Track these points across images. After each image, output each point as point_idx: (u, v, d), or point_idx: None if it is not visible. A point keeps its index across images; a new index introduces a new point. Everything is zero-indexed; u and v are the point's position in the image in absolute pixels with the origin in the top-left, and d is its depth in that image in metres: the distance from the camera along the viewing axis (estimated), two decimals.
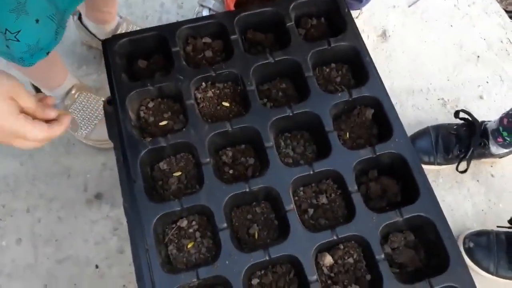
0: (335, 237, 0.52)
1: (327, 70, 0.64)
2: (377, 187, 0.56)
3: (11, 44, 0.59)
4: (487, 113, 1.00)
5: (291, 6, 0.64)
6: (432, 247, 0.53)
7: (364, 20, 1.10)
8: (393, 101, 0.96)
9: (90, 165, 0.96)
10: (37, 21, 0.56)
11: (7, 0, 0.55)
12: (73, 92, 0.91)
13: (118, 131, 0.59)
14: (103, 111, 0.81)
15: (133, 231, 0.55)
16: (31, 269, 0.90)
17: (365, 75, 0.61)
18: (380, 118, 0.60)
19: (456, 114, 0.89)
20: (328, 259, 0.52)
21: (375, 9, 1.12)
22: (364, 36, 1.05)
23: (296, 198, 0.56)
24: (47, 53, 0.61)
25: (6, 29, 0.55)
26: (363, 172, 0.57)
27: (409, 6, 1.15)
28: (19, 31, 0.56)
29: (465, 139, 0.87)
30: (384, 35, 1.11)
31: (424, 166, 0.89)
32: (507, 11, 1.17)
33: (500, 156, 0.89)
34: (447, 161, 0.89)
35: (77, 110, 0.92)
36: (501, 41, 1.11)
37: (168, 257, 0.53)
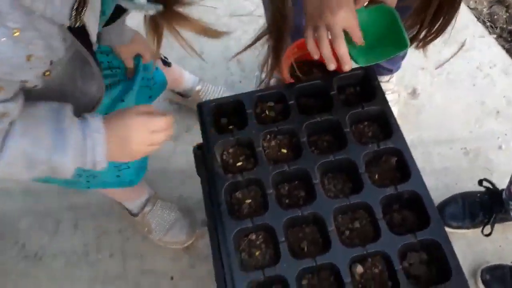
0: (365, 252, 0.70)
1: (361, 126, 0.84)
2: (398, 216, 0.74)
3: (123, 172, 0.86)
4: (506, 161, 1.15)
5: (334, 79, 0.86)
6: (439, 263, 0.69)
7: (397, 80, 1.30)
8: (421, 149, 1.16)
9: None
10: None
11: None
12: (151, 201, 1.10)
13: (206, 169, 0.82)
14: (173, 217, 1.05)
15: (215, 242, 0.76)
16: (120, 278, 1.12)
17: (390, 131, 0.81)
18: (402, 165, 0.78)
19: (480, 182, 1.02)
20: (359, 269, 0.69)
21: (406, 70, 1.32)
22: (396, 94, 1.26)
23: (336, 222, 0.75)
24: (146, 168, 0.89)
25: (121, 162, 0.83)
26: (388, 205, 0.76)
27: (436, 68, 1.34)
28: None
29: (488, 207, 1.00)
30: (414, 93, 1.30)
31: (452, 230, 1.03)
32: None
33: None
34: (474, 226, 1.02)
35: (153, 217, 1.10)
36: None
37: (241, 262, 0.73)
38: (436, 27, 0.74)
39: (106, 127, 0.63)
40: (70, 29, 0.52)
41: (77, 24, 0.50)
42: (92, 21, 0.55)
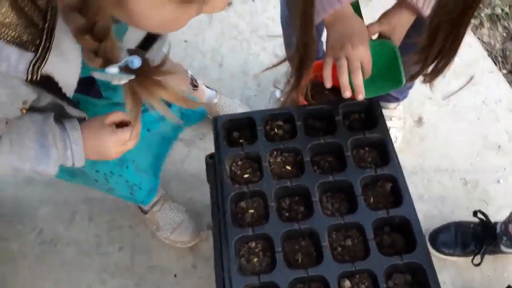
0: (353, 269, 0.76)
1: (361, 152, 0.91)
2: (388, 239, 0.80)
3: (135, 192, 0.94)
4: (502, 195, 1.19)
5: (340, 105, 0.93)
6: (422, 286, 0.75)
7: (404, 108, 1.36)
8: (421, 175, 1.22)
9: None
10: (154, 174, 0.91)
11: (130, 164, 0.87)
12: (161, 201, 1.16)
13: (215, 178, 0.89)
14: (181, 218, 1.13)
15: (217, 246, 0.83)
16: (128, 271, 1.20)
17: (388, 159, 0.87)
18: (396, 191, 0.84)
19: (475, 213, 1.07)
20: (347, 283, 0.76)
21: (414, 99, 1.38)
22: (402, 121, 1.32)
23: (330, 239, 0.81)
24: (157, 190, 0.96)
25: (134, 184, 0.90)
26: (379, 227, 0.82)
27: (443, 99, 1.39)
28: (141, 182, 0.92)
29: (480, 238, 1.04)
30: (419, 121, 1.36)
31: (444, 256, 1.08)
32: None
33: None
34: (465, 254, 1.07)
35: (161, 216, 1.16)
36: None
37: (240, 266, 0.80)
38: (438, 65, 0.80)
39: (84, 138, 0.68)
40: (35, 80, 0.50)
41: (36, 78, 0.49)
42: (63, 70, 0.54)
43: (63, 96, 0.58)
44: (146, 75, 0.54)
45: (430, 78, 0.85)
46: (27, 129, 0.63)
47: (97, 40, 0.47)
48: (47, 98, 0.61)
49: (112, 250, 1.22)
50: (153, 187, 0.98)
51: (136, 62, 0.52)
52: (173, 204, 1.19)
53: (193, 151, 1.34)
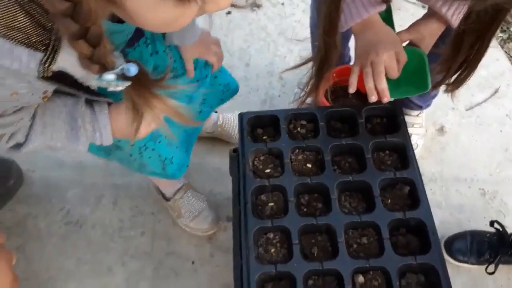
0: (368, 265, 0.79)
1: (382, 155, 0.93)
2: (403, 239, 0.83)
3: (167, 166, 0.98)
4: None
5: (363, 109, 0.95)
6: (435, 286, 0.77)
7: (426, 116, 1.37)
8: (440, 183, 1.23)
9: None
10: (185, 150, 0.95)
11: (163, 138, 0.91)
12: (183, 189, 1.22)
13: (238, 171, 0.93)
14: (201, 206, 1.18)
15: (237, 235, 0.87)
16: (147, 255, 1.25)
17: (407, 163, 0.89)
18: (413, 194, 0.87)
19: (492, 223, 1.08)
20: (360, 279, 0.78)
21: (437, 108, 1.39)
22: (423, 129, 1.33)
23: (346, 236, 0.84)
24: (187, 167, 1.00)
25: (166, 157, 0.95)
26: (395, 228, 0.84)
27: (466, 110, 1.39)
28: (173, 157, 0.96)
29: (495, 247, 1.05)
30: (441, 130, 1.37)
31: (458, 263, 1.10)
32: None
33: None
34: (479, 263, 1.08)
35: (183, 203, 1.22)
36: None
37: (258, 255, 0.84)
38: (461, 75, 0.82)
39: (112, 119, 0.71)
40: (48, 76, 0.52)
41: (47, 74, 0.51)
42: (75, 65, 0.52)
43: (80, 86, 0.60)
44: (145, 87, 0.56)
45: (453, 87, 0.87)
46: (59, 112, 0.68)
47: (91, 45, 0.47)
48: (66, 87, 0.64)
49: (134, 234, 1.28)
50: (184, 162, 1.02)
51: (132, 69, 0.54)
52: (195, 193, 1.24)
53: (216, 145, 1.39)
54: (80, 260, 1.25)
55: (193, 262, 1.22)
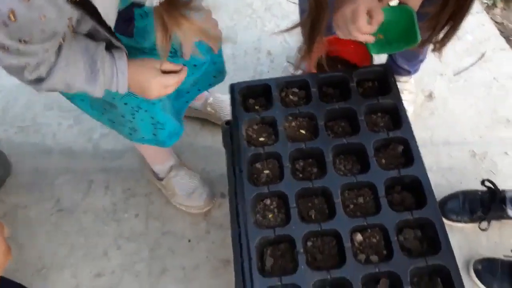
0: (365, 223, 0.79)
1: (374, 117, 0.93)
2: (398, 197, 0.83)
3: (158, 132, 0.98)
4: (510, 166, 1.21)
5: (354, 73, 0.95)
6: (431, 240, 0.78)
7: (415, 82, 1.37)
8: (430, 148, 1.24)
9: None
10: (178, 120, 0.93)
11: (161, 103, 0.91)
12: (176, 168, 1.21)
13: (231, 142, 0.92)
14: (195, 184, 1.17)
15: (233, 204, 0.86)
16: (143, 236, 1.24)
17: (399, 123, 0.89)
18: (407, 152, 0.87)
19: (483, 182, 1.09)
20: (359, 237, 0.79)
21: (425, 74, 1.39)
22: (413, 95, 1.34)
23: (342, 197, 0.84)
24: (179, 137, 0.99)
25: (158, 121, 0.94)
26: (390, 186, 0.84)
27: (454, 75, 1.40)
28: (165, 122, 0.95)
29: (487, 204, 1.07)
30: (430, 96, 1.37)
31: (451, 222, 1.12)
32: None
33: None
34: (472, 221, 1.10)
35: (177, 182, 1.20)
36: None
37: (256, 221, 0.83)
38: (446, 33, 0.82)
39: (130, 70, 0.76)
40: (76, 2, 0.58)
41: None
42: None
43: (103, 23, 0.64)
44: (176, 7, 0.59)
45: (440, 45, 0.87)
46: (82, 54, 0.72)
47: None
48: (88, 24, 0.67)
49: (128, 216, 1.26)
50: (176, 130, 1.01)
51: None
52: (188, 171, 1.23)
53: (205, 125, 1.37)
54: (73, 246, 1.23)
55: (189, 240, 1.21)
